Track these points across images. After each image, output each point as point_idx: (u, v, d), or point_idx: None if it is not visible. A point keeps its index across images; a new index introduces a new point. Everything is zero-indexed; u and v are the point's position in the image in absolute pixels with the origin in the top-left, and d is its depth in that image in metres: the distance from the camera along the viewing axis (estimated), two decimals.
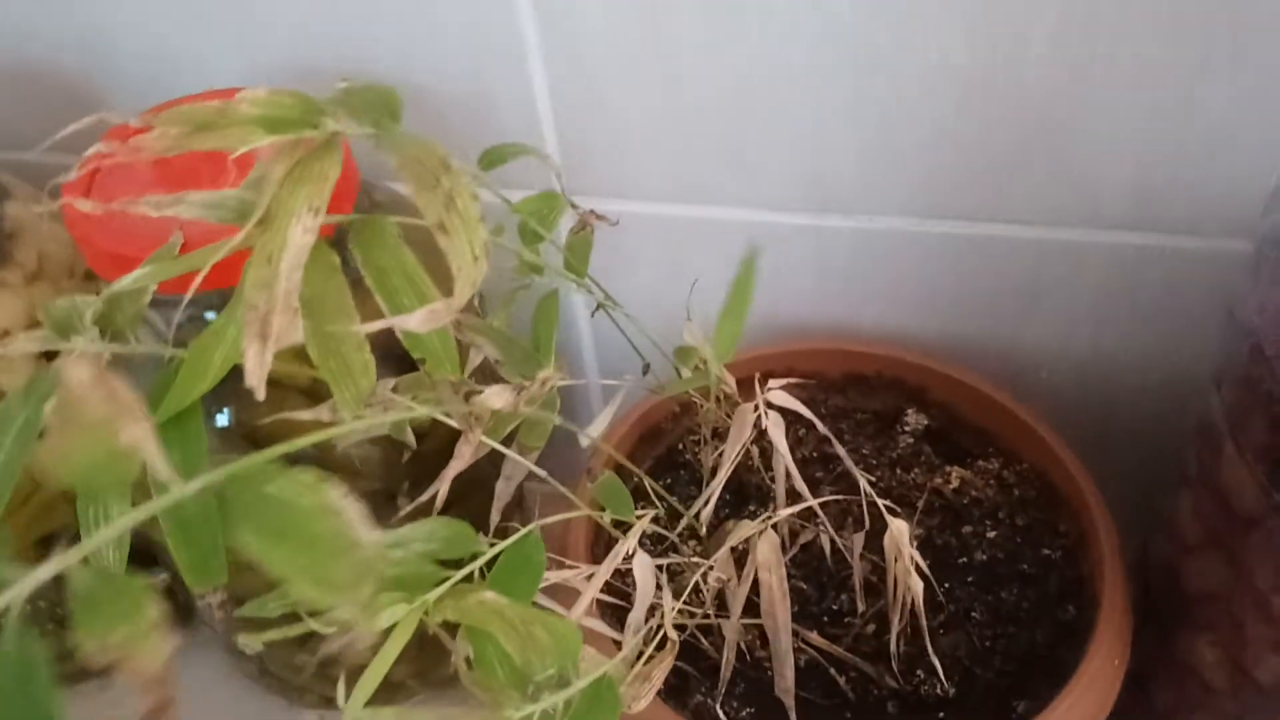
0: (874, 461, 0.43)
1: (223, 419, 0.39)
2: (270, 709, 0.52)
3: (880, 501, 0.33)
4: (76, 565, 0.15)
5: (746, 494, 0.43)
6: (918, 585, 0.32)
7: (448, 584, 0.23)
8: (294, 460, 0.18)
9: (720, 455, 0.40)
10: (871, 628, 0.38)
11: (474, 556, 0.25)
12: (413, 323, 0.23)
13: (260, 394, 0.21)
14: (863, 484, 0.33)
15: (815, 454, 0.44)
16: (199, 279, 0.23)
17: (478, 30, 0.41)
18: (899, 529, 0.32)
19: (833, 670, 0.37)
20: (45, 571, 0.15)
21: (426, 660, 0.49)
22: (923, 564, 0.32)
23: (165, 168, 0.38)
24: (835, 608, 0.39)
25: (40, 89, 0.50)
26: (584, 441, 0.40)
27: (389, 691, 0.50)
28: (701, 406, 0.40)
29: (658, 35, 0.40)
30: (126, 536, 0.22)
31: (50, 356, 0.44)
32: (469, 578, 0.25)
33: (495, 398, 0.24)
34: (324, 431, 0.22)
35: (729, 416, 0.39)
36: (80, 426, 0.15)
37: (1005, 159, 0.40)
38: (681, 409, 0.47)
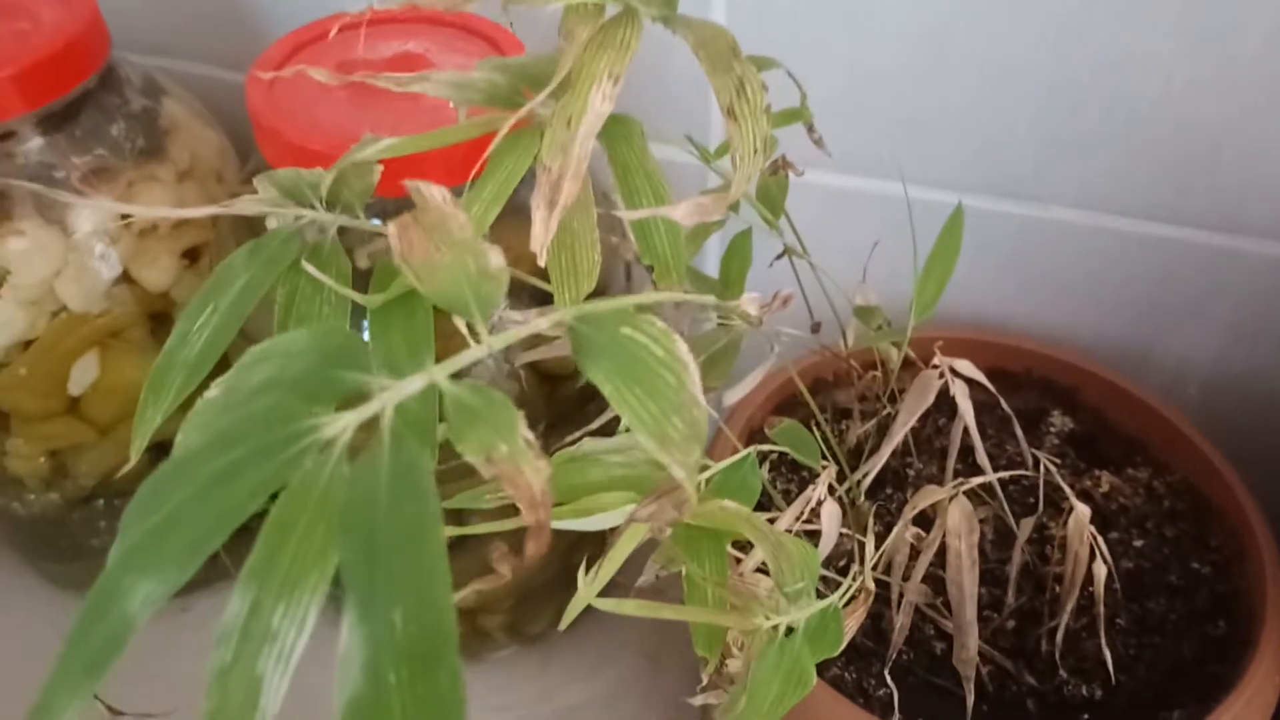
0: (1018, 460, 0.42)
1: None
2: None
3: (1064, 485, 0.32)
4: (448, 380, 0.14)
5: (884, 477, 0.42)
6: (1101, 570, 0.31)
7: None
8: None
9: (869, 426, 0.39)
10: (1012, 623, 0.37)
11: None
12: (678, 214, 0.22)
13: (543, 260, 0.20)
14: (1044, 464, 0.32)
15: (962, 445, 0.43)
16: (484, 157, 0.22)
17: None
18: (1082, 513, 0.31)
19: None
20: (416, 382, 0.14)
21: (520, 613, 0.48)
22: (1106, 552, 0.31)
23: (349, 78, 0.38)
24: None
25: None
26: (728, 399, 0.39)
27: (478, 640, 0.49)
28: (860, 375, 0.39)
29: None
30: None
31: (192, 256, 0.44)
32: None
33: (750, 304, 0.23)
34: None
35: (889, 394, 0.38)
36: (446, 244, 0.15)
37: (1196, 158, 0.38)
38: (815, 386, 0.46)
